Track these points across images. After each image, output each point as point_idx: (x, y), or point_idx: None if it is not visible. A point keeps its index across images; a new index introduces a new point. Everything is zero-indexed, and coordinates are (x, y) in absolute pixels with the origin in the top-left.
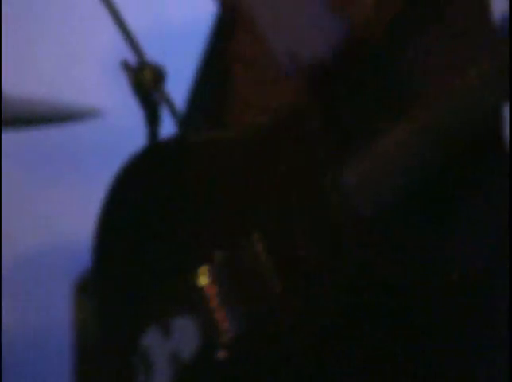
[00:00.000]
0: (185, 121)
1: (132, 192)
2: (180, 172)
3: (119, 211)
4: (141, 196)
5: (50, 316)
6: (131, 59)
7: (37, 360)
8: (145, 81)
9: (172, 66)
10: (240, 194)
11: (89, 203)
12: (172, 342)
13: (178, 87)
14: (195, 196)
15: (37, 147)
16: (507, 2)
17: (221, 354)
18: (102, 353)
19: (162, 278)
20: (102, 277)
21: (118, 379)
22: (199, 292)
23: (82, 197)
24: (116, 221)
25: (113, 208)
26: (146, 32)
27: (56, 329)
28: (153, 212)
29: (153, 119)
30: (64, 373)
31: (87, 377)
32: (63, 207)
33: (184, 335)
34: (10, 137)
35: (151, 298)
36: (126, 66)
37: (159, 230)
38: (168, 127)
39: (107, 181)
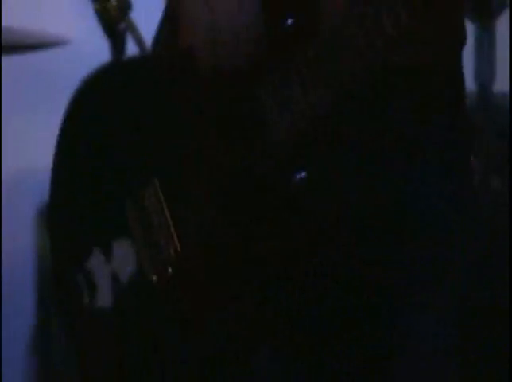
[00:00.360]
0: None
1: (85, 116)
2: (135, 94)
3: (73, 135)
4: (94, 120)
5: (15, 243)
6: None
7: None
8: (111, 10)
9: None
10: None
11: (55, 131)
12: (112, 264)
13: (144, 17)
14: (144, 120)
15: (4, 75)
16: None
17: (155, 278)
18: (52, 274)
19: (106, 201)
20: (54, 199)
21: (66, 300)
22: (137, 214)
23: (47, 125)
24: (70, 143)
25: (68, 132)
26: None
27: (20, 256)
28: (103, 135)
29: (119, 48)
30: (28, 299)
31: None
32: (27, 134)
33: (124, 257)
34: None
35: (96, 220)
36: None
37: (107, 152)
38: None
39: None
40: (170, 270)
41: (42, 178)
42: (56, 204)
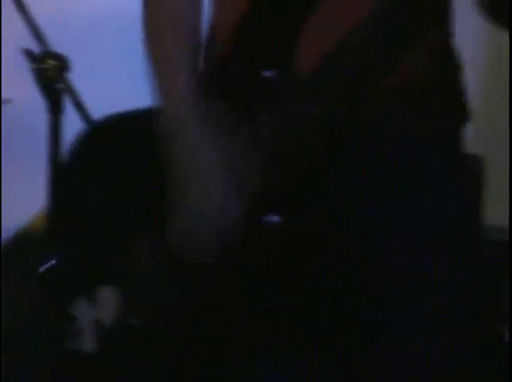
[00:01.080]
0: None
1: (76, 169)
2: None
3: (63, 191)
4: (81, 173)
5: None
6: (35, 48)
7: None
8: (49, 71)
9: (76, 56)
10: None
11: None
12: (96, 310)
13: (81, 78)
14: (124, 173)
15: None
16: None
17: (135, 321)
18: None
19: (91, 251)
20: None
21: (52, 345)
22: (119, 263)
23: None
24: (59, 195)
25: (58, 190)
26: (50, 22)
27: None
28: (91, 187)
29: (55, 108)
30: None
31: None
32: None
33: (107, 303)
34: None
35: (81, 268)
36: (29, 55)
37: (96, 202)
38: (71, 116)
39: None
40: (154, 315)
41: None
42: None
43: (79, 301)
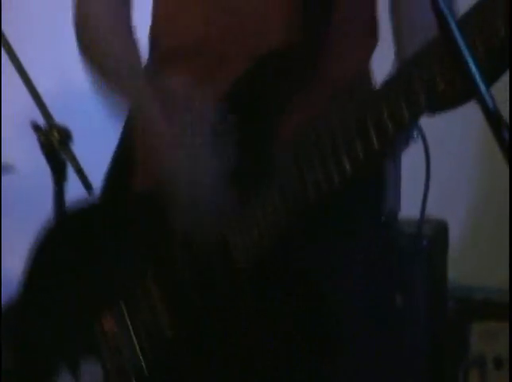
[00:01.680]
0: None
1: (50, 254)
2: (87, 234)
3: (38, 270)
4: (55, 257)
5: None
6: (40, 121)
7: None
8: (53, 141)
9: (78, 127)
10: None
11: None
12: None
13: (83, 148)
14: (98, 253)
15: None
16: None
17: None
18: None
19: (72, 324)
20: (20, 319)
21: None
22: (103, 337)
23: None
24: (35, 276)
25: (34, 269)
26: (54, 94)
27: None
28: (61, 267)
29: (60, 177)
30: None
31: None
32: None
33: (91, 375)
34: None
35: (62, 342)
36: (35, 127)
37: (69, 280)
38: (74, 185)
39: (18, 233)
40: None
41: None
42: (23, 322)
43: (61, 373)
